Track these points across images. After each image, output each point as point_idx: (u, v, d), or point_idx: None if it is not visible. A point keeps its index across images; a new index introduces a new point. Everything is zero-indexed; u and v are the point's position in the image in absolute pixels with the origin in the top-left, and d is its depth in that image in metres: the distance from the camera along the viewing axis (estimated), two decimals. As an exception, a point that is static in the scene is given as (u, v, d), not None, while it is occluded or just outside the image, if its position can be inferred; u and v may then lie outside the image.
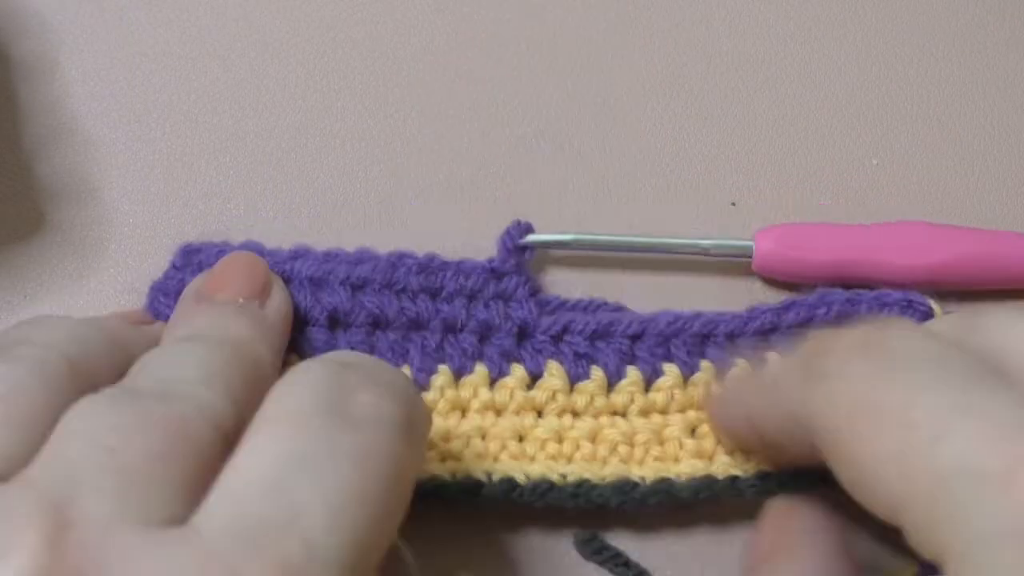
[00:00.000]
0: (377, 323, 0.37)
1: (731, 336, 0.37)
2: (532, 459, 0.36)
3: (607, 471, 0.36)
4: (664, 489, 0.35)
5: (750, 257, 0.39)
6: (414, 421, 0.29)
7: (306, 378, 0.28)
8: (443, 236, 0.39)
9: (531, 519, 0.37)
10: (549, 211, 0.40)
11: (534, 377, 0.37)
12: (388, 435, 0.27)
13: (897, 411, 0.26)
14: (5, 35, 0.42)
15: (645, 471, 0.36)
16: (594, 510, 0.36)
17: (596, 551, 0.35)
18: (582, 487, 0.35)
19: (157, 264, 0.39)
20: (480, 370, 0.37)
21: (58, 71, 0.42)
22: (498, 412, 0.37)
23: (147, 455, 0.26)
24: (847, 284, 0.39)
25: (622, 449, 0.36)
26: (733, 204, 0.41)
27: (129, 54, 0.42)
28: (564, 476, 0.36)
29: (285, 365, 0.36)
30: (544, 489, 0.35)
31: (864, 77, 0.43)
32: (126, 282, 0.40)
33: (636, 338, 0.37)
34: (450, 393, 0.37)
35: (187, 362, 0.30)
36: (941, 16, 0.44)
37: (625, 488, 0.35)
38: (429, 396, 0.37)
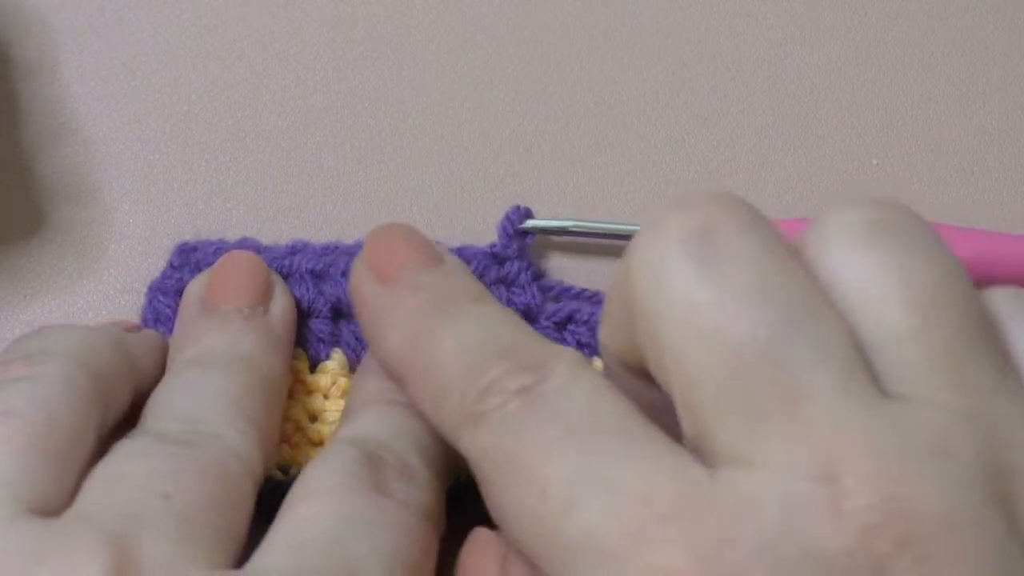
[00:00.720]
0: None
1: None
2: None
3: None
4: None
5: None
6: (437, 509, 0.31)
7: (344, 458, 0.30)
8: (443, 237, 0.39)
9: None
10: (548, 212, 0.40)
11: None
12: (421, 517, 0.29)
13: (534, 473, 0.25)
14: (5, 35, 0.42)
15: None
16: None
17: None
18: None
19: (156, 264, 0.39)
20: None
21: (58, 71, 0.42)
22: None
23: (200, 503, 0.27)
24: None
25: None
26: (733, 204, 0.41)
27: (129, 54, 0.42)
28: None
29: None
30: None
31: (864, 77, 0.43)
32: (126, 282, 0.40)
33: None
34: None
35: (206, 395, 0.31)
36: (941, 16, 0.44)
37: None
38: None
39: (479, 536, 0.30)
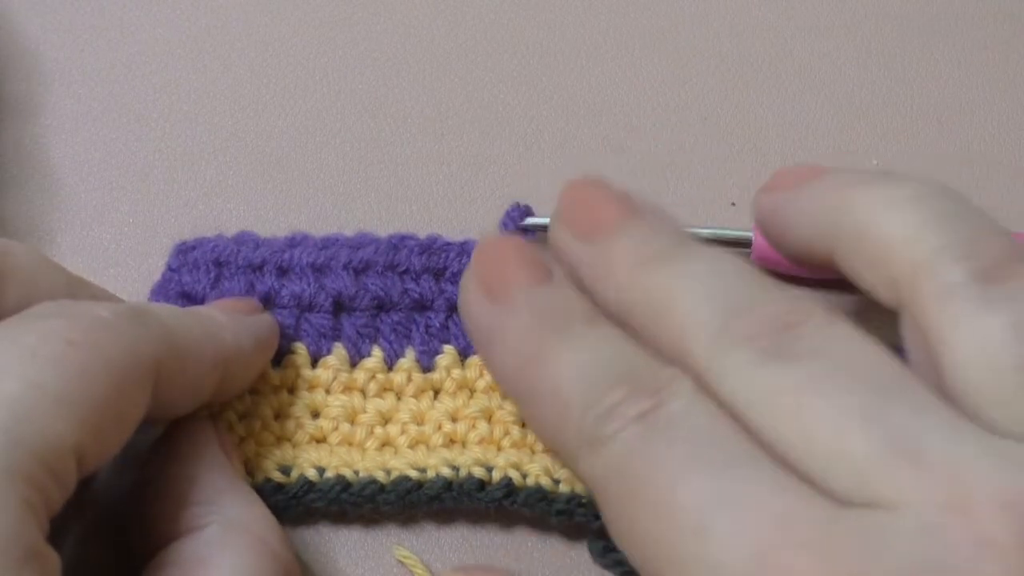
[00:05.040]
0: (381, 306, 0.37)
1: None
2: (533, 451, 0.36)
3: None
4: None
5: (749, 248, 0.39)
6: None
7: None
8: (444, 234, 0.39)
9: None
10: (548, 210, 0.40)
11: None
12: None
13: (662, 497, 0.25)
14: (4, 33, 0.42)
15: None
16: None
17: (616, 562, 0.34)
18: (571, 502, 0.35)
19: (157, 264, 0.39)
20: None
21: (57, 73, 0.42)
22: (503, 394, 0.36)
23: None
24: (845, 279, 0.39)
25: None
26: (733, 204, 0.41)
27: (129, 53, 0.42)
28: (556, 483, 0.35)
29: (290, 354, 0.36)
30: (537, 499, 0.35)
31: (864, 77, 0.43)
32: (126, 282, 0.39)
33: None
34: (456, 373, 0.37)
35: None
36: (941, 16, 0.44)
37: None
38: (435, 376, 0.36)
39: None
